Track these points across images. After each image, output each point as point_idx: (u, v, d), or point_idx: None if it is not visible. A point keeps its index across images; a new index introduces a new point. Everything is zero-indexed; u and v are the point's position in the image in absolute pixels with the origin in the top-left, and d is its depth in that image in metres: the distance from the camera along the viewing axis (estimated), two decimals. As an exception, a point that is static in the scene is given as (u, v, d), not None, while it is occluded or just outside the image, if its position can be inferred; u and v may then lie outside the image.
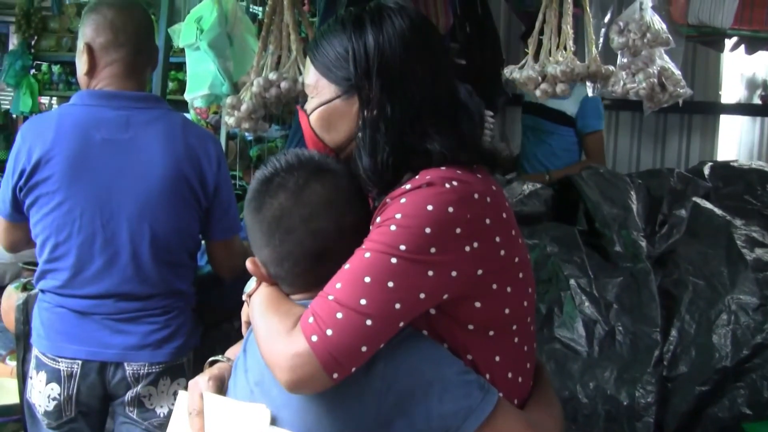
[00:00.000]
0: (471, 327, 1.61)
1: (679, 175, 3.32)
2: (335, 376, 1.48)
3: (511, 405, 1.61)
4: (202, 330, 2.91)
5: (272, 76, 3.02)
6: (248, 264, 1.71)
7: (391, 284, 1.49)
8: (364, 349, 1.49)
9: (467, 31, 5.22)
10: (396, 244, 1.50)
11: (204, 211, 2.76)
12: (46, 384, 2.71)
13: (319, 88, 1.71)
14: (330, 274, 1.56)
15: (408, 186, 1.58)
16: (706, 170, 3.47)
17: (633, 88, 2.94)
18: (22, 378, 3.19)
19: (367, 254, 1.52)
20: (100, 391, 2.72)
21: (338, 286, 1.51)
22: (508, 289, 1.63)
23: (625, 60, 3.06)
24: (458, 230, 1.54)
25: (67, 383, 2.68)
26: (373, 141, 1.64)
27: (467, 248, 1.55)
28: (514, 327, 1.66)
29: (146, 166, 2.65)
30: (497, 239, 1.60)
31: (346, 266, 1.53)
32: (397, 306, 1.50)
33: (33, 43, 6.96)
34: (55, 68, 7.28)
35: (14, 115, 7.56)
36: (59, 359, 2.69)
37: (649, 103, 3.06)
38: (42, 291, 2.78)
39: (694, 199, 3.15)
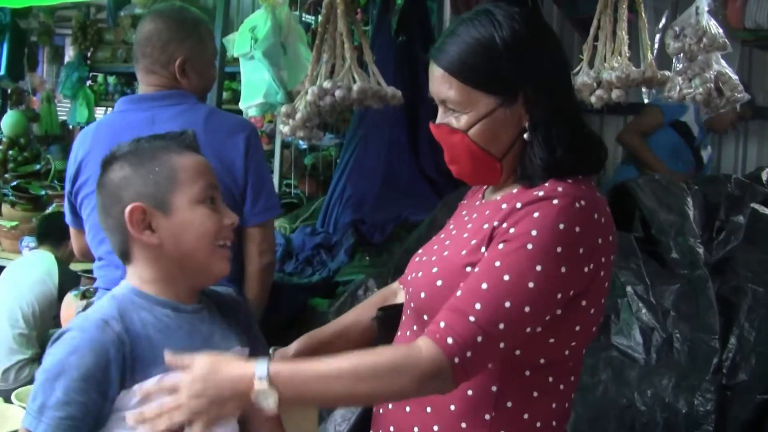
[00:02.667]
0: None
1: (737, 181, 3.27)
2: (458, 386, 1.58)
3: None
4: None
5: (326, 84, 3.04)
6: None
7: (527, 309, 1.57)
8: (489, 366, 1.61)
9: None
10: (533, 265, 1.57)
11: (239, 197, 2.77)
12: None
13: (473, 103, 1.70)
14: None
15: (540, 193, 1.64)
16: (765, 176, 3.43)
17: (689, 93, 2.91)
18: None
19: (506, 276, 1.57)
20: None
21: (478, 306, 1.56)
22: (592, 311, 1.70)
23: (681, 65, 3.03)
24: (581, 250, 1.61)
25: None
26: (548, 138, 1.68)
27: (585, 269, 1.63)
28: (573, 343, 1.72)
29: None
30: (602, 260, 1.67)
31: (484, 285, 1.58)
32: (528, 330, 1.59)
33: (89, 54, 7.06)
34: (111, 79, 7.40)
35: (71, 126, 7.68)
36: None
37: (705, 108, 3.02)
38: (96, 288, 2.90)
39: (752, 205, 3.10)
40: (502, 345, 1.57)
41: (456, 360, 1.53)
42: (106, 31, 7.04)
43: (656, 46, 3.37)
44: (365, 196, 4.07)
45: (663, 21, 3.76)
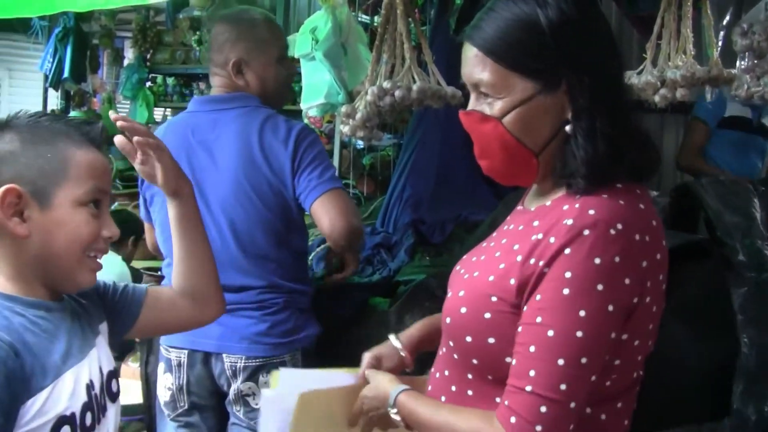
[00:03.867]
0: None
1: (805, 182, 3.21)
2: None
3: None
4: (319, 334, 2.93)
5: (386, 84, 3.03)
6: None
7: (584, 360, 1.45)
8: (571, 427, 1.47)
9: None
10: (576, 311, 1.45)
11: (292, 204, 2.79)
12: (163, 374, 2.87)
13: (509, 87, 1.56)
14: None
15: (569, 221, 1.49)
16: (833, 176, 3.35)
17: (758, 91, 2.85)
18: (145, 379, 3.31)
19: (551, 332, 1.46)
20: (209, 384, 2.81)
21: (532, 374, 1.46)
22: (636, 343, 1.57)
23: (747, 63, 2.97)
24: (627, 281, 1.47)
25: (178, 373, 2.82)
26: (592, 130, 1.53)
27: (635, 300, 1.50)
28: (614, 376, 1.59)
29: (224, 163, 2.77)
30: (649, 284, 1.53)
31: (531, 348, 1.47)
32: (593, 378, 1.48)
33: (148, 56, 7.17)
34: (170, 80, 7.50)
35: (131, 127, 7.77)
36: (170, 349, 2.84)
37: (774, 106, 2.98)
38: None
39: (820, 205, 3.04)
40: (572, 405, 1.46)
41: None
42: (165, 33, 7.16)
43: (720, 43, 3.31)
44: (424, 196, 4.07)
45: (727, 17, 3.70)
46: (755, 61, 2.90)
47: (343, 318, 3.14)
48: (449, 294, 1.74)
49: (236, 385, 2.75)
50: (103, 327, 1.85)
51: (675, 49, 2.97)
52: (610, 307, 1.46)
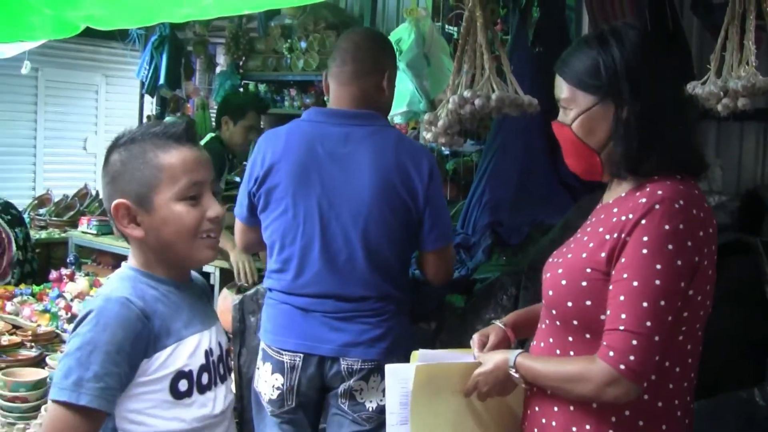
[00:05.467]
0: None
1: None
2: (644, 385, 1.90)
3: None
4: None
5: (467, 93, 3.16)
6: None
7: (662, 303, 1.85)
8: (657, 358, 1.87)
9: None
10: (653, 265, 1.85)
11: (416, 222, 2.94)
12: (271, 374, 2.95)
13: (576, 100, 2.03)
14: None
15: (643, 200, 1.90)
16: None
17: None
18: (238, 371, 3.49)
19: (635, 283, 1.86)
20: (318, 383, 2.94)
21: (623, 316, 1.86)
22: (698, 298, 1.94)
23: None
24: (689, 243, 1.87)
25: (290, 375, 2.92)
26: (627, 135, 1.96)
27: (696, 258, 1.88)
28: (684, 328, 1.95)
29: (359, 179, 2.87)
30: (705, 250, 1.91)
31: (621, 297, 1.87)
32: (669, 318, 1.87)
33: (241, 63, 7.30)
34: (261, 87, 7.60)
35: (222, 131, 7.99)
36: (283, 352, 2.93)
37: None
38: (269, 289, 3.05)
39: None
40: (656, 338, 1.85)
41: (622, 366, 1.84)
42: (257, 41, 7.26)
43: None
44: (503, 200, 4.17)
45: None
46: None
47: (422, 313, 3.29)
48: (547, 275, 2.14)
49: (348, 383, 2.92)
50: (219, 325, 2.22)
51: (738, 60, 3.07)
52: (678, 262, 1.86)
